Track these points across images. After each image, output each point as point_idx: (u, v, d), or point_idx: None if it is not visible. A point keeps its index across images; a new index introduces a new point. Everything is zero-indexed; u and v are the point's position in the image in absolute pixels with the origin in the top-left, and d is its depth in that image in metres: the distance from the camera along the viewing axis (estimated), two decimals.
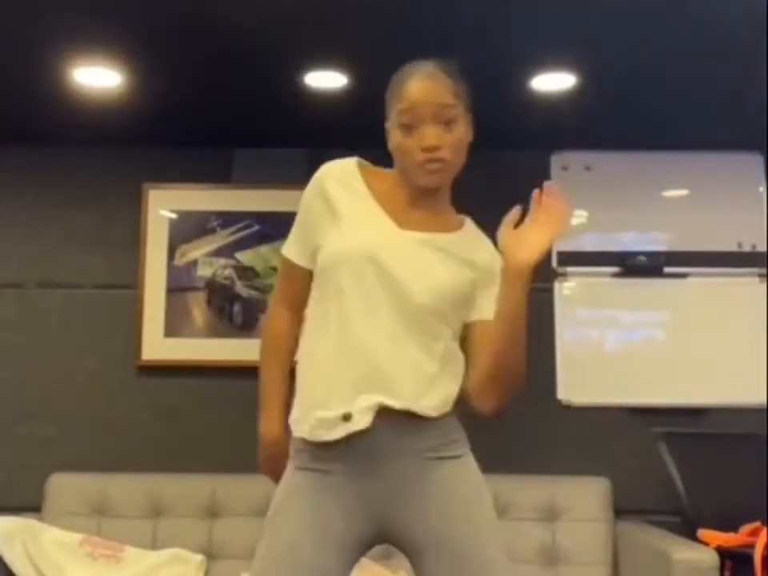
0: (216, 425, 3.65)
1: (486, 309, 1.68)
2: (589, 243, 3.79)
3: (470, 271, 1.70)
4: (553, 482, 3.45)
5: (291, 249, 1.79)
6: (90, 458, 3.59)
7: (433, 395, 1.63)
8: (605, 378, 3.70)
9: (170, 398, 3.68)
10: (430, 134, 1.64)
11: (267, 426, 1.84)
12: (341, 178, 1.73)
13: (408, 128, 1.66)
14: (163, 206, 3.75)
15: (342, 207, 1.70)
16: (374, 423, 1.59)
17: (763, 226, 3.77)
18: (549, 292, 3.72)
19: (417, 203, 1.72)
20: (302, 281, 1.76)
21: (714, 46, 2.83)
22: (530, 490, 3.41)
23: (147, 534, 3.34)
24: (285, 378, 1.84)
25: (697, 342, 3.70)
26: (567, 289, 3.76)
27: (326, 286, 1.67)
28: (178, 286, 3.71)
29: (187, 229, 3.74)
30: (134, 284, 3.70)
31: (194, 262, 3.73)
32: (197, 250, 3.74)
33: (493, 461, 3.57)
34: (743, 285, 3.74)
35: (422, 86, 1.67)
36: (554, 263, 3.74)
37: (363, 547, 1.66)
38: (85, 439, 3.62)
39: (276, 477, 1.74)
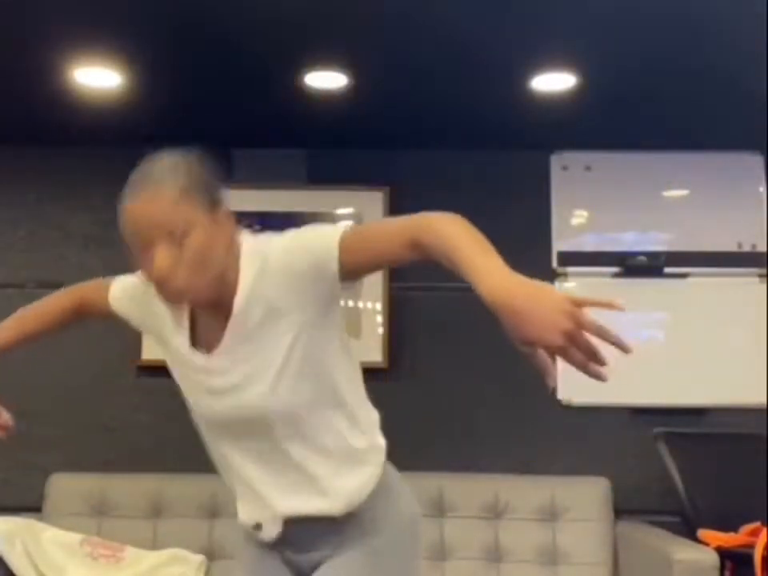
0: None
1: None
2: (589, 243, 3.79)
3: (277, 315, 1.45)
4: (553, 482, 3.45)
5: (118, 288, 1.77)
6: (90, 457, 3.59)
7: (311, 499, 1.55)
8: None
9: (170, 398, 3.65)
10: (158, 258, 1.40)
11: None
12: (131, 297, 1.70)
13: (142, 248, 1.44)
14: None
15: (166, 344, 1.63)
16: (285, 527, 1.60)
17: (763, 226, 3.77)
18: None
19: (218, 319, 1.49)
20: (102, 306, 1.83)
21: (714, 46, 2.83)
22: (529, 490, 3.41)
23: (147, 534, 3.34)
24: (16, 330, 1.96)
25: (697, 342, 3.70)
26: (567, 289, 3.76)
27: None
28: None
29: None
30: None
31: None
32: None
33: (493, 460, 3.59)
34: (743, 285, 3.74)
35: (137, 206, 1.47)
36: (554, 263, 3.74)
37: None
38: (85, 439, 3.63)
39: None
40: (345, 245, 1.41)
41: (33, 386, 3.66)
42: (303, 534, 1.59)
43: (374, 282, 3.68)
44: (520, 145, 3.63)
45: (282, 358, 1.46)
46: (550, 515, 3.38)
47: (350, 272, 1.43)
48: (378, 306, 3.68)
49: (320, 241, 1.45)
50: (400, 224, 1.40)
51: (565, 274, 3.75)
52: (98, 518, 3.37)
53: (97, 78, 3.10)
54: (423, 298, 3.70)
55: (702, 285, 3.75)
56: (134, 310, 1.70)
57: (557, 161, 3.80)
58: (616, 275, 3.76)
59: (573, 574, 3.29)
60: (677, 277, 3.75)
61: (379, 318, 3.68)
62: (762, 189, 3.81)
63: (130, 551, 3.23)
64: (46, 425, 3.62)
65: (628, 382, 3.67)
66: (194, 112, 3.46)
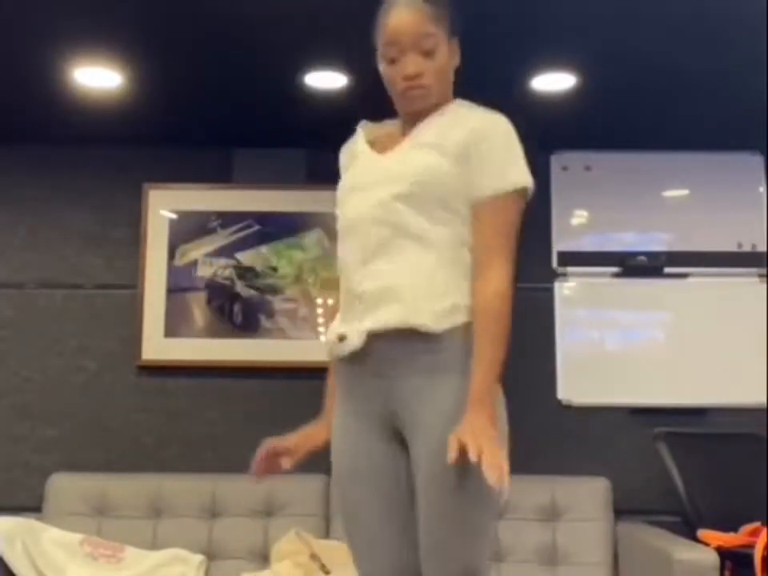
0: (216, 425, 3.65)
1: (476, 185, 1.68)
2: (589, 243, 3.79)
3: (438, 154, 1.69)
4: (553, 482, 3.45)
5: None
6: (90, 457, 3.60)
7: (406, 309, 1.64)
8: (605, 378, 3.70)
9: (169, 398, 3.68)
10: (410, 63, 1.70)
11: None
12: (345, 150, 1.91)
13: (391, 60, 1.74)
14: (163, 205, 3.75)
15: (343, 173, 1.86)
16: (369, 342, 1.66)
17: (763, 226, 3.77)
18: (549, 292, 3.72)
19: (407, 132, 1.77)
20: None
21: (714, 45, 2.83)
22: (530, 490, 3.41)
23: (147, 534, 3.34)
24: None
25: (697, 341, 3.70)
26: (567, 289, 3.76)
27: None
28: (178, 286, 3.71)
29: (187, 229, 3.74)
30: (133, 284, 3.70)
31: (194, 262, 3.73)
32: (197, 250, 3.74)
33: None
34: (743, 285, 3.75)
35: (399, 17, 1.72)
36: (554, 263, 3.74)
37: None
38: (85, 439, 3.63)
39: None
40: (478, 208, 1.68)
41: (33, 386, 3.66)
42: (383, 350, 1.66)
43: None
44: (520, 145, 3.63)
45: (422, 159, 1.70)
46: (550, 515, 3.38)
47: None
48: None
49: (496, 173, 1.69)
50: (486, 257, 1.66)
51: (565, 274, 3.75)
52: (98, 517, 3.37)
53: (97, 78, 3.10)
54: None
55: (702, 285, 3.75)
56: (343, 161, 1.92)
57: (557, 161, 3.81)
58: (616, 275, 3.76)
59: (573, 574, 3.29)
60: (677, 277, 3.75)
61: None
62: (762, 189, 3.81)
63: (130, 551, 3.23)
64: (46, 425, 3.63)
65: (628, 382, 3.68)
66: (194, 112, 3.46)
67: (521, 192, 1.70)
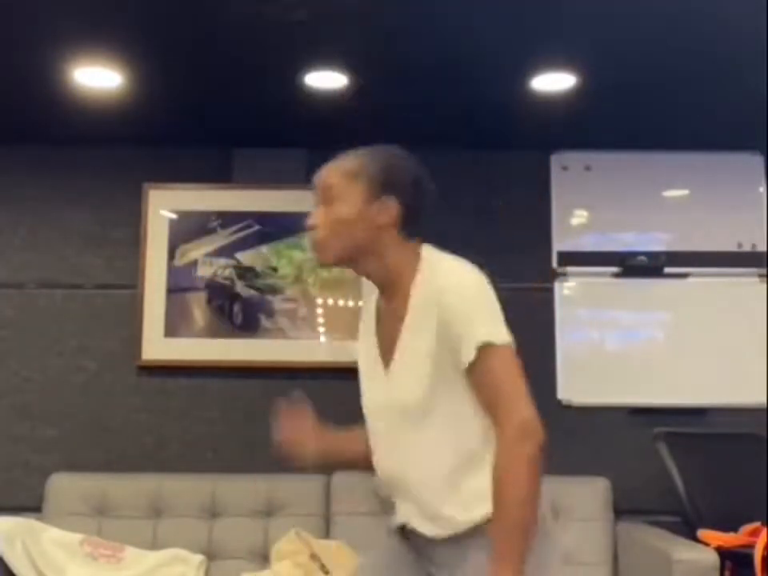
0: (216, 425, 3.65)
1: (459, 354, 1.62)
2: (589, 243, 3.79)
3: (429, 340, 1.64)
4: (553, 482, 3.43)
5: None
6: (90, 457, 3.59)
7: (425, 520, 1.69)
8: (605, 378, 3.70)
9: (170, 398, 3.68)
10: (311, 214, 1.75)
11: None
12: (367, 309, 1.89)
13: None
14: (163, 205, 3.75)
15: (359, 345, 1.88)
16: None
17: (763, 226, 3.77)
18: (549, 292, 3.72)
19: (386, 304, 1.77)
20: None
21: (714, 45, 2.83)
22: None
23: (147, 534, 3.34)
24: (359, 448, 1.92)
25: (697, 342, 3.70)
26: (567, 289, 3.76)
27: None
28: (178, 286, 3.71)
29: (187, 229, 3.74)
30: (133, 284, 3.70)
31: (194, 262, 3.73)
32: (197, 250, 3.74)
33: None
34: (743, 285, 3.74)
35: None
36: (554, 263, 3.74)
37: None
38: (85, 439, 3.62)
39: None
40: (473, 370, 1.60)
41: (33, 386, 3.66)
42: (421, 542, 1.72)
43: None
44: (520, 145, 3.63)
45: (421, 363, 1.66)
46: (551, 515, 3.38)
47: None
48: None
49: (466, 341, 1.59)
50: (498, 413, 1.60)
51: (565, 274, 3.75)
52: (98, 517, 3.36)
53: (97, 77, 3.10)
54: None
55: (702, 285, 3.75)
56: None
57: (557, 161, 3.80)
58: (616, 275, 3.76)
59: (573, 574, 3.29)
60: (677, 277, 3.75)
61: None
62: (762, 189, 3.81)
63: (130, 551, 3.23)
64: (46, 425, 3.63)
65: (628, 382, 3.68)
66: (194, 112, 3.46)
67: (496, 347, 1.60)
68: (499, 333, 1.60)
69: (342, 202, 1.70)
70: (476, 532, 1.62)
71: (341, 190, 1.70)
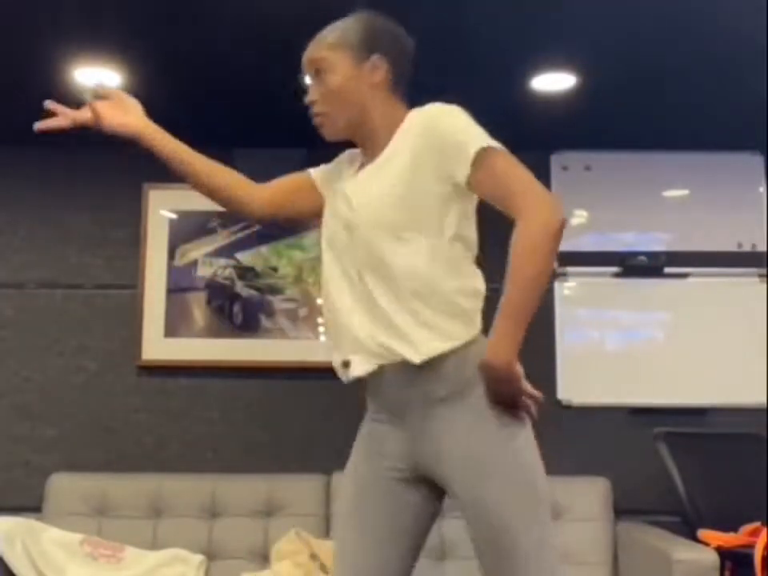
0: (216, 425, 3.65)
1: (451, 169, 1.64)
2: (589, 243, 3.79)
3: (396, 165, 1.67)
4: (553, 482, 3.42)
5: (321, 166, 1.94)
6: (90, 457, 3.59)
7: (401, 340, 1.62)
8: (605, 378, 3.70)
9: (170, 398, 3.68)
10: (307, 93, 1.78)
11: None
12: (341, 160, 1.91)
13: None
14: (163, 205, 3.75)
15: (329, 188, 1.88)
16: (380, 369, 1.65)
17: (763, 226, 3.78)
18: (549, 292, 3.72)
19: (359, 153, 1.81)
20: (298, 181, 1.95)
21: (714, 45, 2.83)
22: None
23: (147, 534, 3.34)
24: (215, 167, 2.04)
25: (697, 341, 3.70)
26: (567, 289, 3.76)
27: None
28: (178, 286, 3.71)
29: (187, 229, 3.74)
30: (133, 284, 3.70)
31: (194, 262, 3.73)
32: (197, 250, 3.74)
33: None
34: (743, 285, 3.75)
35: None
36: (554, 263, 3.74)
37: (416, 481, 1.70)
38: (85, 439, 3.63)
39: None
40: (475, 174, 1.61)
41: (33, 386, 3.66)
42: (392, 378, 1.65)
43: None
44: (520, 145, 3.61)
45: (387, 178, 1.67)
46: (551, 515, 3.38)
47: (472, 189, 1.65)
48: None
49: (457, 149, 1.62)
50: (515, 201, 1.60)
51: (565, 274, 3.75)
52: (98, 517, 3.36)
53: (97, 78, 3.09)
54: None
55: (702, 285, 3.75)
56: (325, 173, 1.92)
57: (557, 161, 3.81)
58: (616, 275, 3.76)
59: (573, 574, 3.29)
60: (677, 277, 3.76)
61: None
62: (762, 189, 3.81)
63: (130, 551, 3.23)
64: (46, 425, 3.63)
65: (628, 382, 3.68)
66: (194, 112, 3.46)
67: (493, 150, 1.64)
68: (495, 142, 1.65)
69: (332, 73, 1.73)
70: (465, 388, 1.61)
71: (329, 62, 1.73)
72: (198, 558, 3.25)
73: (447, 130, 1.65)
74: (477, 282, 1.69)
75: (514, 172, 1.63)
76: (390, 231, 1.63)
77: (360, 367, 1.67)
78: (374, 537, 1.69)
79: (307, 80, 1.80)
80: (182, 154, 2.00)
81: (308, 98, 1.77)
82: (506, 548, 1.59)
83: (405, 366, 1.62)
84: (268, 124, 3.53)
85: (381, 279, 1.64)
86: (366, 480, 1.72)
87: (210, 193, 1.99)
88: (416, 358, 1.60)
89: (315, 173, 1.92)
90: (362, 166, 1.78)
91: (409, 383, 1.64)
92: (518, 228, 1.57)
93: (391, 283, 1.62)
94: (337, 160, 1.91)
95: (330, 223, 1.80)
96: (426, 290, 1.61)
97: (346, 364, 1.69)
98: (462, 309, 1.64)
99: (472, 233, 1.73)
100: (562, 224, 1.58)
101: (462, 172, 1.62)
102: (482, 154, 1.61)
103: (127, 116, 2.00)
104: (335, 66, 1.73)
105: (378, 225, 1.64)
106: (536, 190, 1.60)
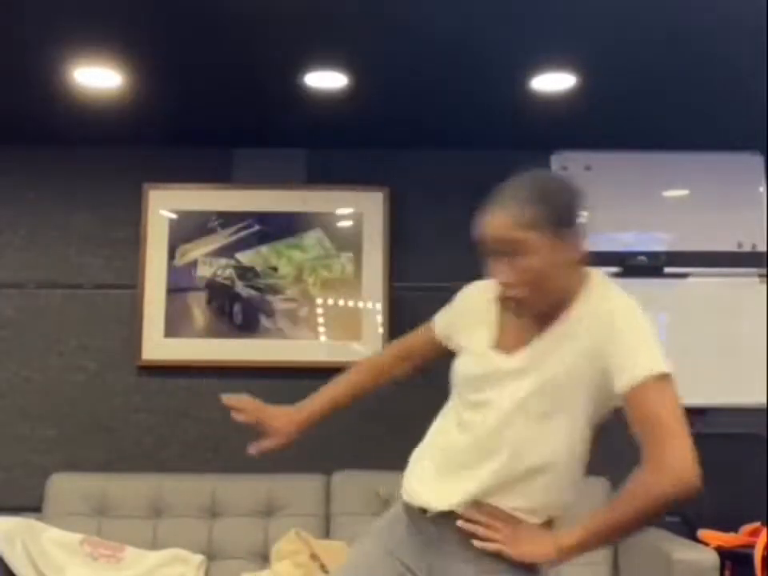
0: (216, 425, 3.64)
1: (617, 377, 1.66)
2: (589, 243, 3.78)
3: (571, 354, 1.65)
4: None
5: (438, 316, 1.94)
6: (90, 457, 3.60)
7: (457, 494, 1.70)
8: None
9: (170, 398, 3.68)
10: (497, 271, 1.65)
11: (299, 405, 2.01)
12: (483, 295, 1.81)
13: (489, 257, 1.69)
14: (163, 205, 3.75)
15: (467, 331, 1.82)
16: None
17: (763, 226, 3.77)
18: None
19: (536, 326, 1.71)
20: (424, 339, 1.95)
21: (714, 45, 2.83)
22: None
23: (147, 534, 3.34)
24: (349, 380, 2.00)
25: (697, 341, 3.69)
26: None
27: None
28: (178, 286, 3.71)
29: (187, 229, 3.74)
30: (133, 284, 3.70)
31: (194, 262, 3.73)
32: (197, 250, 3.74)
33: None
34: (743, 285, 3.74)
35: (488, 220, 1.65)
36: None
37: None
38: (85, 439, 3.63)
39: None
40: (631, 404, 1.71)
41: (33, 386, 3.66)
42: (444, 528, 1.70)
43: (374, 282, 3.68)
44: (520, 145, 3.63)
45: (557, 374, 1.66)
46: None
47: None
48: (378, 306, 3.68)
49: (629, 367, 1.62)
50: (657, 449, 1.70)
51: None
52: (97, 517, 3.36)
53: (97, 77, 3.09)
54: (423, 298, 3.69)
55: (702, 285, 3.75)
56: (461, 308, 1.88)
57: (557, 161, 3.80)
58: (616, 275, 3.75)
59: (573, 574, 3.28)
60: (677, 277, 3.75)
61: (379, 318, 3.68)
62: (762, 189, 3.81)
63: (130, 551, 3.23)
64: (45, 425, 3.63)
65: None
66: (194, 112, 3.46)
67: (661, 377, 1.60)
68: (663, 363, 1.60)
69: (532, 255, 1.60)
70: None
71: (527, 244, 1.60)
72: (198, 558, 3.25)
73: (621, 341, 1.62)
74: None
75: (665, 414, 1.67)
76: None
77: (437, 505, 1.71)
78: None
79: (487, 251, 1.67)
80: (336, 399, 2.02)
81: (502, 279, 1.65)
82: None
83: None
84: (268, 124, 3.53)
85: None
86: (369, 558, 1.78)
87: (374, 390, 2.03)
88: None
89: (439, 329, 1.93)
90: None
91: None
92: (652, 473, 1.67)
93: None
94: (462, 297, 1.89)
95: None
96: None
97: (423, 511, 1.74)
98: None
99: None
100: (689, 494, 1.66)
101: (619, 389, 1.68)
102: (642, 382, 1.62)
103: (285, 416, 2.09)
104: (534, 248, 1.60)
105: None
106: (680, 448, 1.69)
